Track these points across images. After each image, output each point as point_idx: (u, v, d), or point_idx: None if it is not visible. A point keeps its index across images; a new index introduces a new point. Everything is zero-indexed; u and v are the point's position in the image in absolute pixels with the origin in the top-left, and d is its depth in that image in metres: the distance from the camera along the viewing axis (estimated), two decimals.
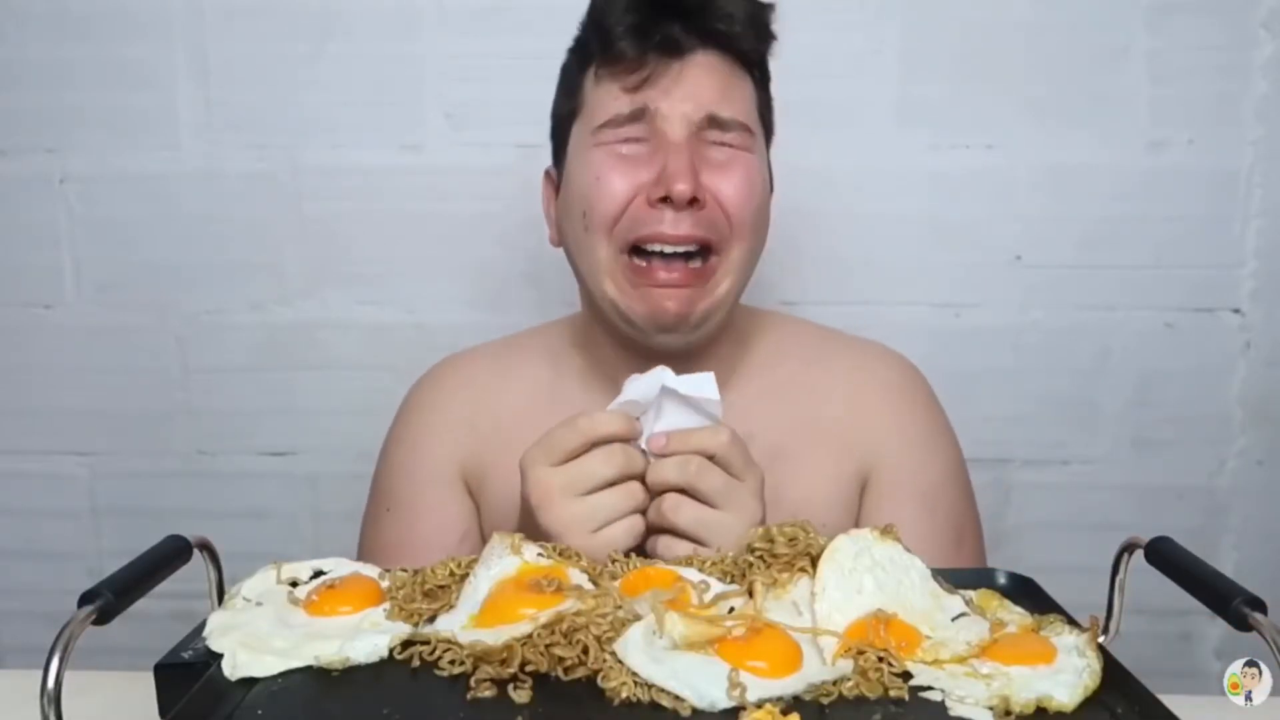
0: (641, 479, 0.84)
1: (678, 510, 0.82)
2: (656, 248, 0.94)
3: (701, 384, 0.84)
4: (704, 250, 0.95)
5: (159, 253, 1.49)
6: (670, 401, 0.84)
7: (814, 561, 0.71)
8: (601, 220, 0.95)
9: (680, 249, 0.94)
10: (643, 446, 0.84)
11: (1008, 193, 1.44)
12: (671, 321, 0.95)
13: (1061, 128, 1.42)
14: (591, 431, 0.83)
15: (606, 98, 0.96)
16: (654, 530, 0.83)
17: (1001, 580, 0.80)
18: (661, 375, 0.84)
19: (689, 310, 0.95)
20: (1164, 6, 1.39)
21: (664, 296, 0.95)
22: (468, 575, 0.73)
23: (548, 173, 1.06)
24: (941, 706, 0.60)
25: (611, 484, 0.82)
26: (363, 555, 1.06)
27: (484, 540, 1.02)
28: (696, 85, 0.95)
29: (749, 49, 0.98)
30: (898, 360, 1.11)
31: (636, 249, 0.95)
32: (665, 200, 0.92)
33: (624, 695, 0.60)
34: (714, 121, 0.95)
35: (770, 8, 0.99)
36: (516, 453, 1.01)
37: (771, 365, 1.07)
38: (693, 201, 0.92)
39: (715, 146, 0.96)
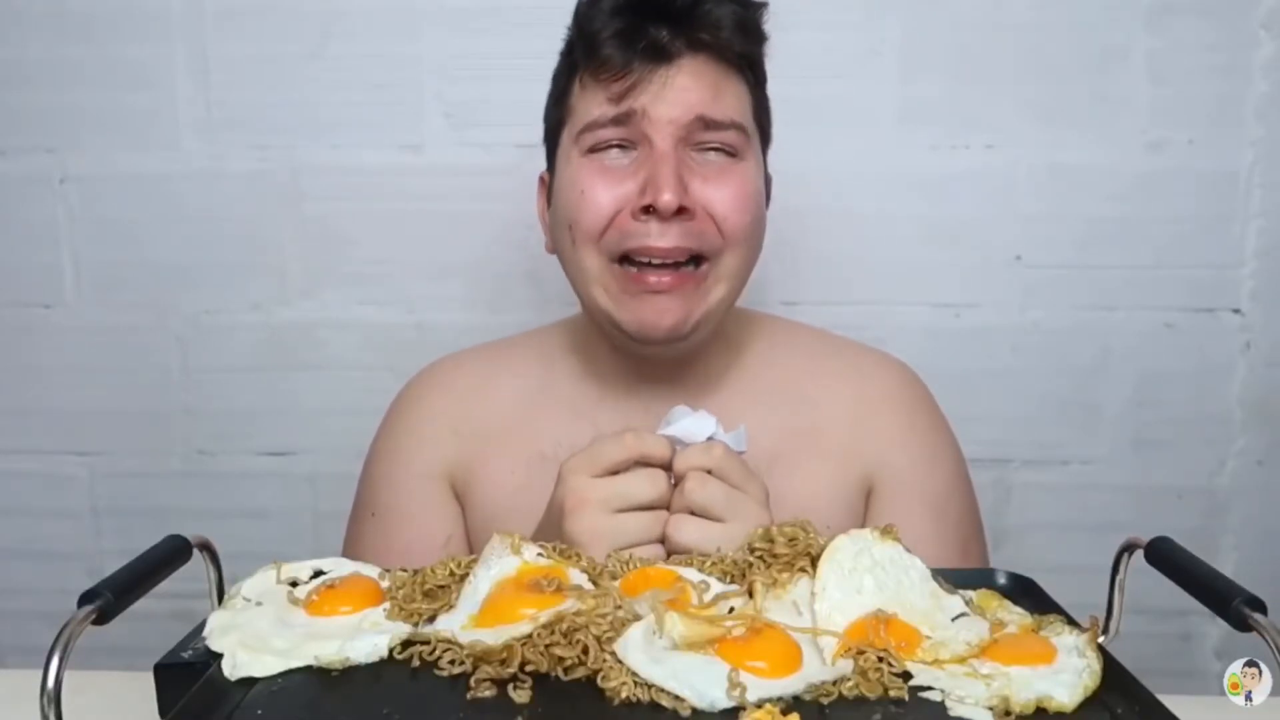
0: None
1: (681, 529, 0.81)
2: (645, 259, 0.92)
3: (740, 438, 0.86)
4: (695, 258, 0.93)
5: (159, 253, 1.49)
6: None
7: (814, 561, 0.71)
8: (587, 234, 0.93)
9: (669, 260, 0.92)
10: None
11: (1008, 193, 1.44)
12: (663, 335, 0.94)
13: (1061, 128, 1.42)
14: (637, 450, 0.83)
15: (591, 103, 0.94)
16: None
17: (1001, 580, 0.80)
18: (710, 425, 0.85)
19: (681, 323, 0.93)
20: (1164, 6, 1.39)
21: (657, 312, 0.92)
22: (467, 575, 0.73)
23: (542, 178, 1.05)
24: (941, 706, 0.60)
25: (645, 507, 0.82)
26: (346, 556, 1.05)
27: (470, 543, 1.03)
28: (684, 89, 0.92)
29: (739, 52, 0.95)
30: (898, 367, 1.10)
31: (626, 258, 0.93)
32: (651, 210, 0.90)
33: (624, 695, 0.60)
34: (704, 123, 0.92)
35: (762, 7, 0.96)
36: (504, 455, 1.02)
37: (763, 371, 1.05)
38: (680, 211, 0.90)
39: (707, 152, 0.93)
